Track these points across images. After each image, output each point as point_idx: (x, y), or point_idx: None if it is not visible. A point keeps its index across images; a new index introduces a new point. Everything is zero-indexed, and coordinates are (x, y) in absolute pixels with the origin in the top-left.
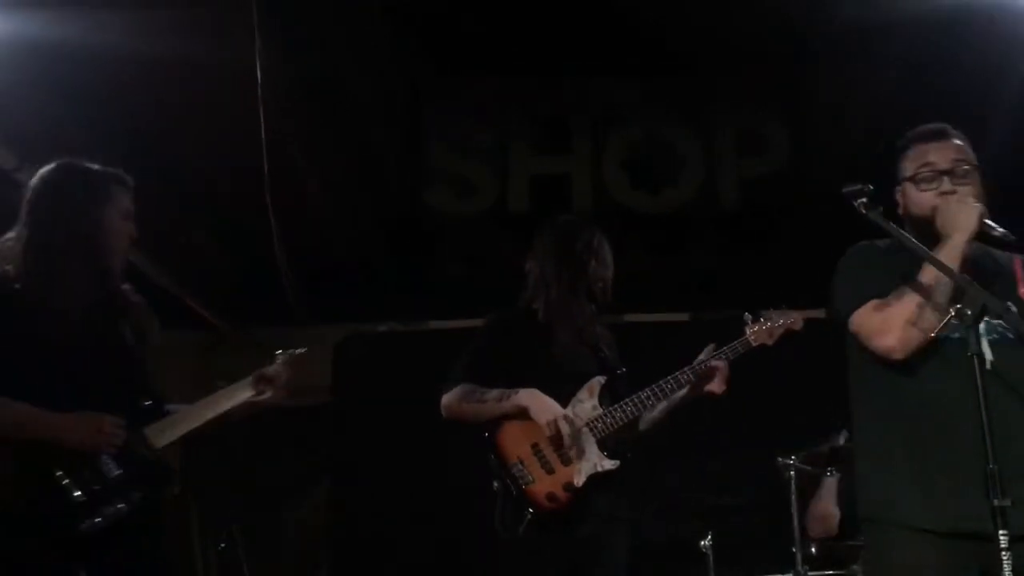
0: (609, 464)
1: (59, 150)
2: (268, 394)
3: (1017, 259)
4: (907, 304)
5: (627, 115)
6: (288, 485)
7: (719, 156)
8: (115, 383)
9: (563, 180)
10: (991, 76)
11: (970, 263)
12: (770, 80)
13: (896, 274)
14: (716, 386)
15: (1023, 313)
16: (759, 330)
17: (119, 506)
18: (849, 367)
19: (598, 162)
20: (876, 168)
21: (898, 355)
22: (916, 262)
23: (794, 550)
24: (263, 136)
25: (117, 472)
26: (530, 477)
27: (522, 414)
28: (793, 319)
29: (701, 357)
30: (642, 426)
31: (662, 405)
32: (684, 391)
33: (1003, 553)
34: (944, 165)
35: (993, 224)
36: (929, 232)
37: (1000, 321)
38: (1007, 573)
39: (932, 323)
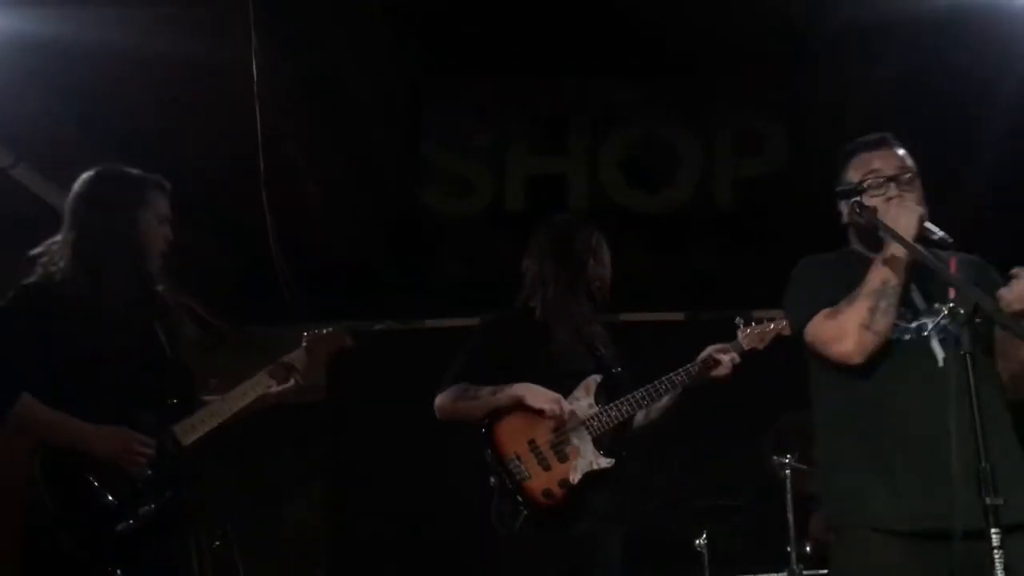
0: (604, 462)
1: (55, 148)
2: (290, 383)
3: (952, 259)
4: (859, 308)
5: (624, 115)
6: (285, 484)
7: (717, 156)
8: (146, 383)
9: (560, 180)
10: (988, 77)
11: (917, 264)
12: (768, 80)
13: (845, 282)
14: (722, 370)
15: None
16: (750, 334)
17: (151, 506)
18: (808, 378)
19: (595, 162)
20: None
21: (856, 360)
22: (865, 270)
23: (789, 549)
24: (259, 135)
25: (147, 473)
26: (527, 473)
27: (519, 409)
28: (784, 324)
29: (700, 358)
30: (636, 425)
31: (657, 404)
32: (680, 390)
33: (995, 552)
34: (890, 172)
35: (933, 227)
36: (873, 238)
37: (948, 320)
38: (999, 573)
39: (885, 325)
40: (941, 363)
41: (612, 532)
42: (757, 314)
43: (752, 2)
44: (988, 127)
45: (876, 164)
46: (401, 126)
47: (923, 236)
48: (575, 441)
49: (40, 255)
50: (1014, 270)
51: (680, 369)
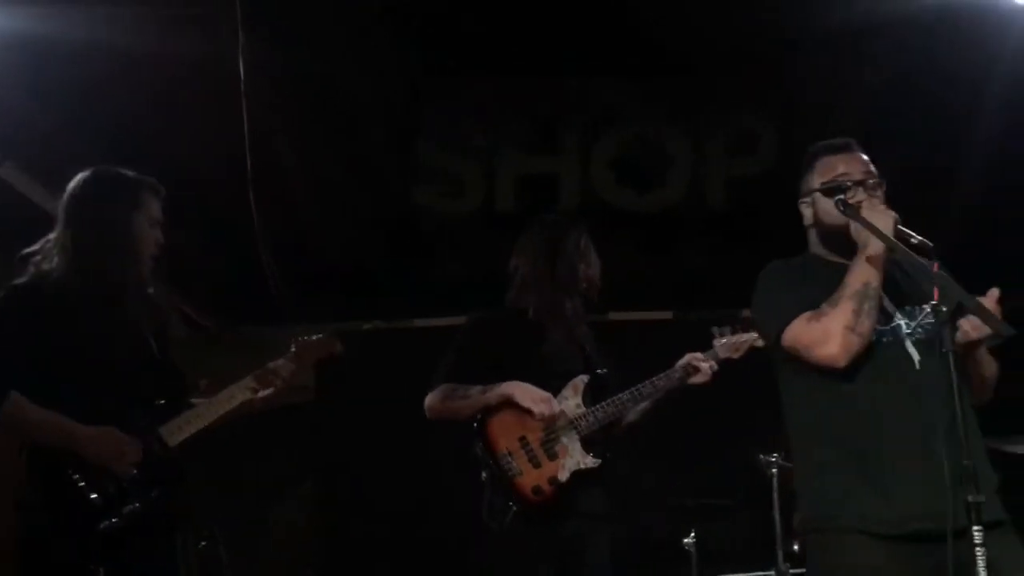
0: (592, 462)
1: (42, 147)
2: (270, 390)
3: (935, 264)
4: (843, 311)
5: (615, 115)
6: (273, 484)
7: (708, 156)
8: (136, 383)
9: (551, 180)
10: (977, 77)
11: (895, 268)
12: (759, 80)
13: (814, 286)
14: (701, 377)
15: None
16: (726, 343)
17: (135, 506)
18: (781, 386)
19: (586, 162)
20: None
21: (841, 363)
22: (834, 274)
23: (776, 547)
24: (247, 132)
25: (133, 473)
26: (518, 469)
27: (509, 406)
28: (754, 337)
29: (680, 364)
30: (622, 426)
31: (639, 407)
32: (661, 394)
33: (978, 549)
34: (857, 176)
35: (909, 231)
36: (841, 242)
37: (923, 321)
38: (981, 570)
39: (869, 327)
40: (918, 365)
41: (601, 532)
42: (746, 314)
43: (744, 3)
44: (977, 128)
45: (842, 168)
46: (393, 125)
47: (901, 240)
48: (564, 440)
49: (33, 254)
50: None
51: (662, 374)
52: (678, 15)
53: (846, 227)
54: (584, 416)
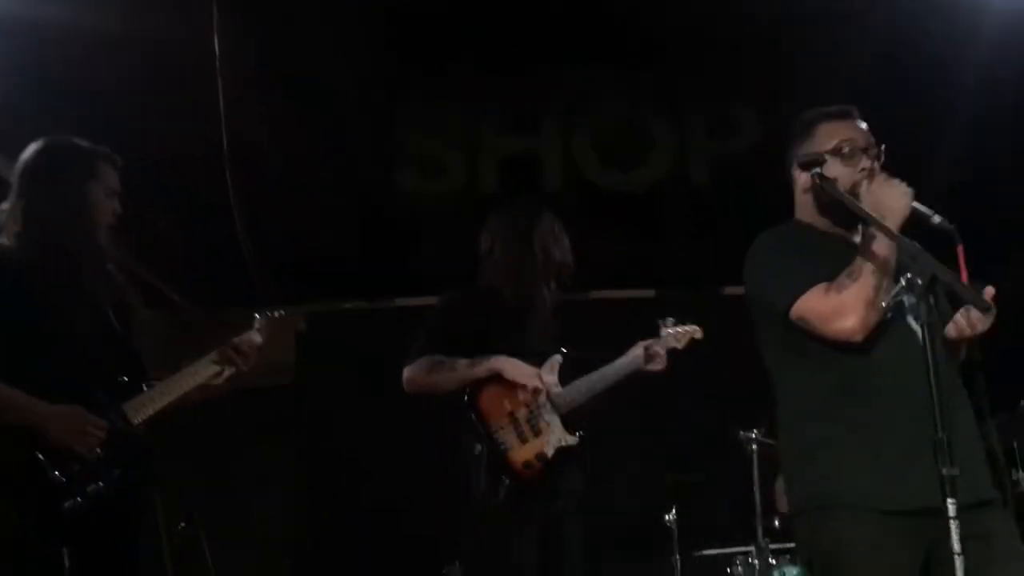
0: (572, 439)
1: (16, 127)
2: (232, 369)
3: (960, 246)
4: (864, 284)
5: (599, 95)
6: (252, 465)
7: (690, 135)
8: (97, 360)
9: (534, 160)
10: (959, 60)
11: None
12: (741, 61)
13: (815, 257)
14: (658, 364)
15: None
16: (672, 334)
17: (99, 485)
18: (774, 361)
19: (569, 142)
20: None
21: (859, 337)
22: (828, 244)
23: (756, 524)
24: (222, 113)
25: (97, 452)
26: (509, 444)
27: (495, 381)
28: (695, 329)
29: (634, 351)
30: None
31: (602, 390)
32: (622, 377)
33: (951, 522)
34: (863, 143)
35: (926, 209)
36: (840, 210)
37: (904, 291)
38: (955, 542)
39: (885, 302)
40: (921, 340)
41: (578, 510)
42: (729, 291)
43: None
44: (959, 111)
45: (848, 133)
46: (371, 106)
47: (919, 218)
48: (546, 417)
49: None
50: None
51: (624, 359)
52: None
53: (851, 193)
54: (562, 395)
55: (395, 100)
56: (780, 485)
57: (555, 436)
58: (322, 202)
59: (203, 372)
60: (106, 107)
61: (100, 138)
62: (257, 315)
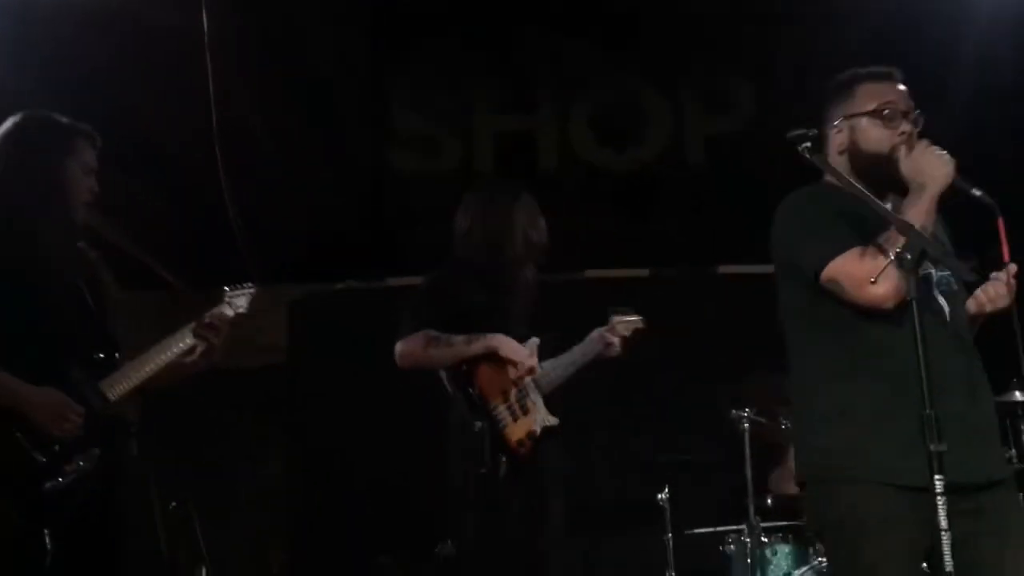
0: (554, 419)
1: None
2: (205, 344)
3: (1000, 220)
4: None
5: (593, 74)
6: (244, 445)
7: (686, 114)
8: (73, 336)
9: (528, 138)
10: (952, 38)
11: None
12: (736, 39)
13: (850, 220)
14: (614, 350)
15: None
16: (619, 323)
17: (80, 463)
18: (795, 323)
19: (564, 120)
20: None
21: (890, 304)
22: (860, 208)
23: (747, 502)
24: (211, 92)
25: (76, 436)
26: (505, 422)
27: (487, 359)
28: (638, 320)
29: (594, 335)
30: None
31: (575, 370)
32: (588, 361)
33: (938, 499)
34: (903, 106)
35: (966, 184)
36: (878, 172)
37: (946, 271)
38: (942, 519)
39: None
40: (948, 316)
41: (560, 491)
42: (722, 270)
43: None
44: (954, 88)
45: (890, 96)
46: (362, 82)
47: (959, 190)
48: (532, 396)
49: None
50: (993, 274)
51: (588, 343)
52: None
53: (888, 156)
54: (543, 375)
55: (385, 78)
56: (785, 472)
57: (540, 415)
58: (314, 181)
59: (177, 345)
60: (98, 86)
61: (90, 116)
62: (227, 288)
